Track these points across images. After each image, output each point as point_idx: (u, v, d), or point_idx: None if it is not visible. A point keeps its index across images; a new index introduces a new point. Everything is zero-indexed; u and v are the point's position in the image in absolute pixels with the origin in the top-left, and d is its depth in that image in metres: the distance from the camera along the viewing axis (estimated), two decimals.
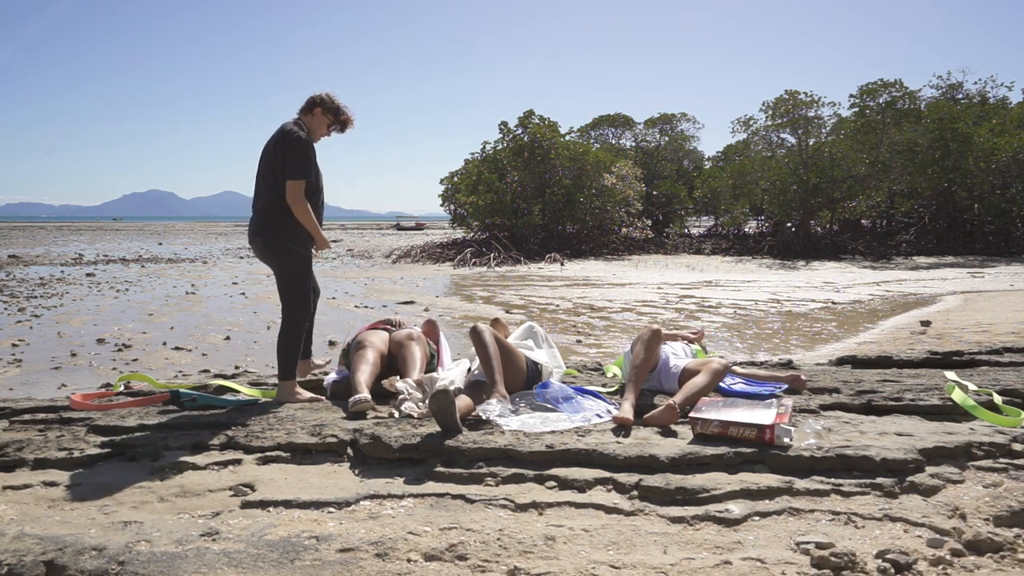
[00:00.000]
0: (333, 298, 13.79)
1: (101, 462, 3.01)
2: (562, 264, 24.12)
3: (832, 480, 2.63)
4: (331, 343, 8.42)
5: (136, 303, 13.10)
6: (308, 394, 3.83)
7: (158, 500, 2.62)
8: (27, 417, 3.57)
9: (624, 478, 2.67)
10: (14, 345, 8.42)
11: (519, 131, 28.52)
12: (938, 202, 28.73)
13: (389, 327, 4.37)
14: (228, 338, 9.22)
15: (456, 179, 30.31)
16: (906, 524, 2.33)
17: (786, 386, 3.87)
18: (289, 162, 3.69)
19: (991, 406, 3.44)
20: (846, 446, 2.85)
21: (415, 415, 3.39)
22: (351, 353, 4.03)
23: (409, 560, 2.15)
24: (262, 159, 3.83)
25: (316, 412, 3.57)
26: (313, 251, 3.94)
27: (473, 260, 24.52)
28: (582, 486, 2.65)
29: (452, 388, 3.56)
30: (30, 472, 2.91)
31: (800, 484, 2.60)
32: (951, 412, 3.42)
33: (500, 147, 29.20)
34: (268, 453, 3.02)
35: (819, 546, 2.16)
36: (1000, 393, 3.63)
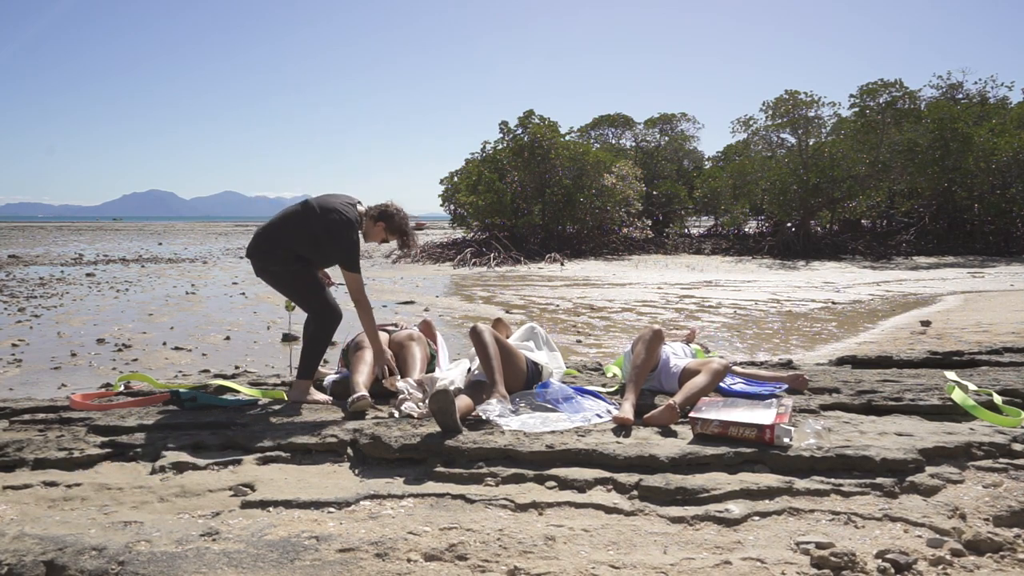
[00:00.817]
0: None
1: (101, 462, 3.01)
2: (562, 264, 24.12)
3: (832, 480, 2.63)
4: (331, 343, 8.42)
5: (136, 303, 13.09)
6: (321, 396, 3.82)
7: (158, 500, 2.62)
8: (27, 417, 3.57)
9: (624, 478, 2.67)
10: (14, 345, 8.42)
11: (519, 131, 28.50)
12: (938, 202, 28.71)
13: (388, 328, 4.38)
14: (228, 338, 9.22)
15: (456, 179, 30.28)
16: (906, 524, 2.33)
17: (786, 386, 3.87)
18: (348, 255, 3.68)
19: (991, 406, 3.44)
20: (846, 446, 2.85)
21: (415, 415, 3.39)
22: (350, 354, 4.04)
23: (409, 560, 2.15)
24: (304, 218, 3.73)
25: (316, 412, 3.57)
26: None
27: (473, 260, 24.51)
28: (582, 486, 2.65)
29: (452, 388, 3.56)
30: (30, 472, 2.91)
31: (800, 484, 2.60)
32: (951, 412, 3.42)
33: (500, 147, 29.18)
34: (268, 453, 3.03)
35: (819, 546, 2.16)
36: (1000, 393, 3.63)
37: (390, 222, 3.82)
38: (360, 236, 3.78)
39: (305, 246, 3.74)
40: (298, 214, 3.77)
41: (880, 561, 2.09)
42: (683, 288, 16.23)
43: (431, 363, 4.24)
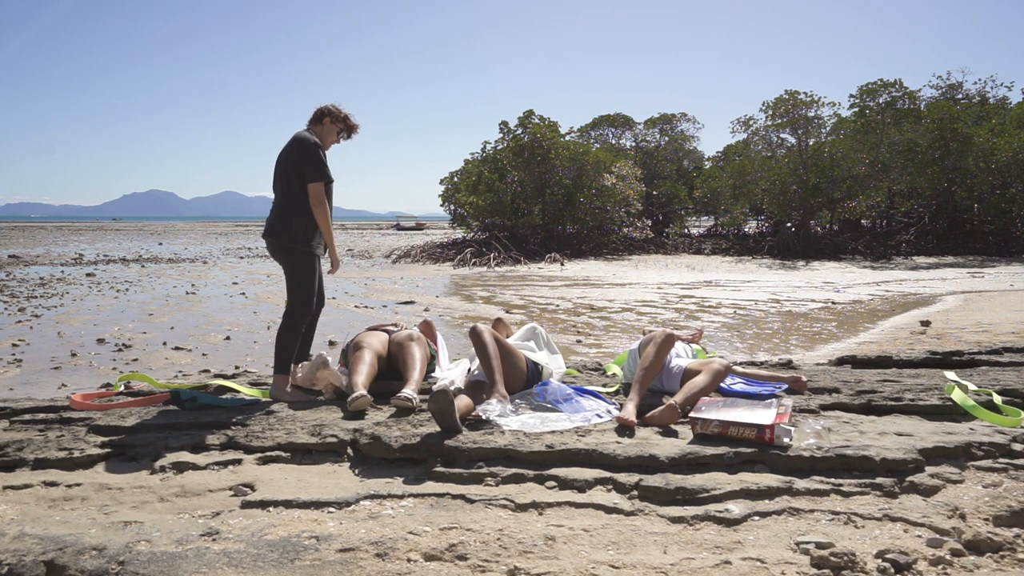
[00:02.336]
0: (333, 298, 13.79)
1: (101, 462, 3.01)
2: (562, 264, 24.12)
3: (832, 480, 2.64)
4: (331, 343, 8.42)
5: (136, 303, 13.09)
6: (298, 392, 3.86)
7: (158, 500, 2.62)
8: (27, 417, 3.57)
9: (624, 478, 2.68)
10: (14, 345, 8.42)
11: (519, 131, 28.51)
12: (938, 202, 28.72)
13: (389, 329, 4.38)
14: (228, 338, 9.22)
15: (456, 179, 30.30)
16: (906, 524, 2.33)
17: (786, 386, 3.87)
18: (306, 166, 3.86)
19: (991, 406, 3.44)
20: (846, 446, 2.85)
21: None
22: (350, 354, 4.04)
23: (409, 560, 2.15)
24: (277, 165, 3.97)
25: (316, 412, 3.57)
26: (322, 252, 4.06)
27: (473, 260, 24.51)
28: (582, 486, 2.65)
29: (452, 388, 3.56)
30: (30, 472, 2.91)
31: (800, 484, 2.60)
32: (951, 412, 3.42)
33: (500, 147, 29.19)
34: (268, 453, 3.03)
35: (819, 546, 2.16)
36: (1000, 393, 3.64)
37: (331, 114, 4.04)
38: (318, 145, 3.92)
39: (280, 179, 3.93)
40: (275, 175, 3.99)
41: (880, 561, 2.09)
42: (683, 288, 16.23)
43: (431, 363, 4.24)
